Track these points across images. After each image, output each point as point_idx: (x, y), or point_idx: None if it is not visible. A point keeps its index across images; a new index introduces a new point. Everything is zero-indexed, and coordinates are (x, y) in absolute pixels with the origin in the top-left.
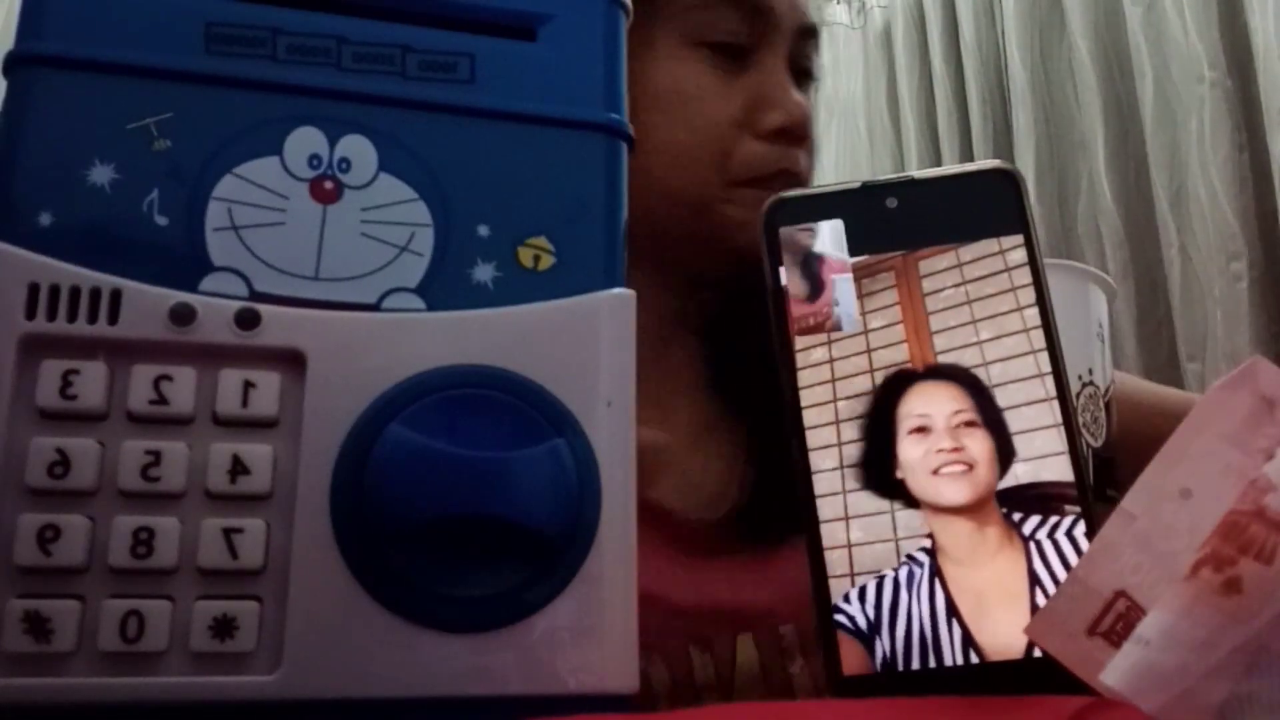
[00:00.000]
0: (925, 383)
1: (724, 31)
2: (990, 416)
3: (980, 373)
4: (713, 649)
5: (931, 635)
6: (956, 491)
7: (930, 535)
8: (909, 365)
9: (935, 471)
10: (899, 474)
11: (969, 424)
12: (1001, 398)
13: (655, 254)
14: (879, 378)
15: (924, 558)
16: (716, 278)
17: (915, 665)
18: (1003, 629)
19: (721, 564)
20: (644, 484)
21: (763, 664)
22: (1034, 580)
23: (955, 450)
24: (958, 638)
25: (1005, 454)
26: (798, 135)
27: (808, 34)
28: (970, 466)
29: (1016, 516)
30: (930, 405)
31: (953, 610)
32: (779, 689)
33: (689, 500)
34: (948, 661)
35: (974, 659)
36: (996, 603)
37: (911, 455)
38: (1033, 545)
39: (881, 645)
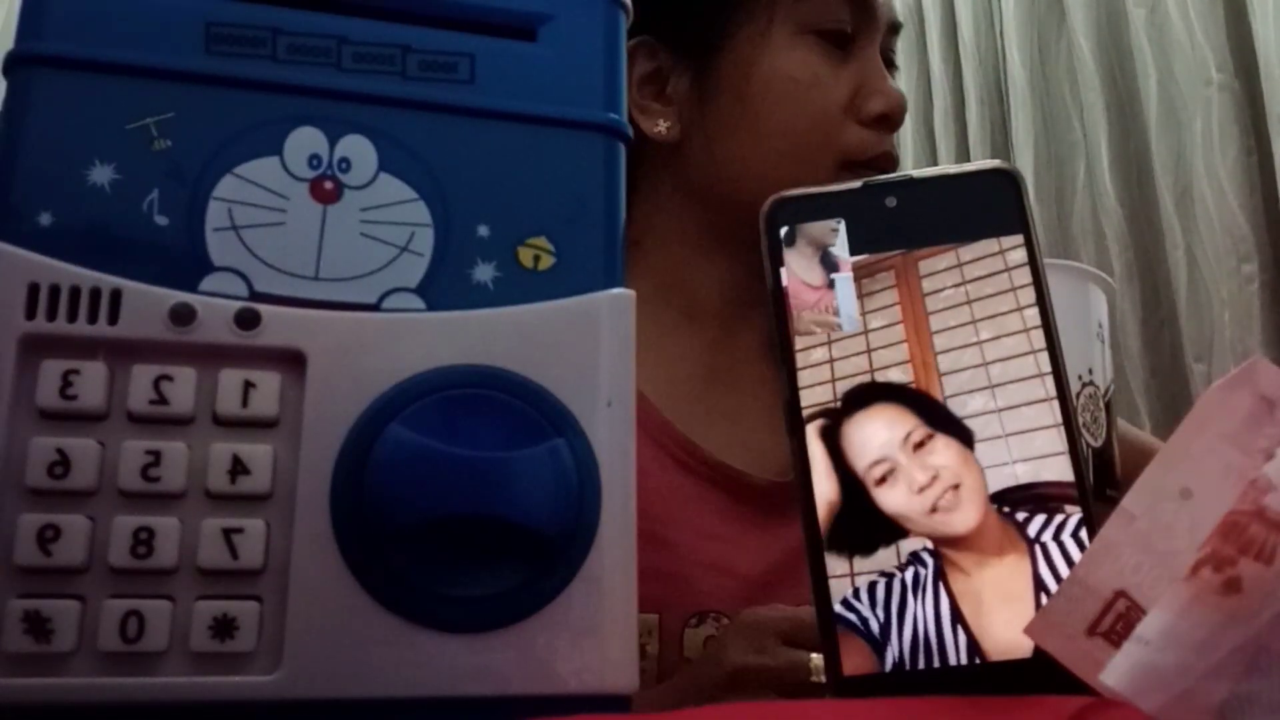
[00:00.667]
0: (856, 417)
1: (832, 20)
2: (934, 418)
3: (957, 376)
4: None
5: (936, 637)
6: (963, 518)
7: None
8: (831, 404)
9: (933, 509)
10: (894, 517)
11: (925, 440)
12: (1001, 398)
13: (746, 238)
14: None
15: (928, 558)
16: None
17: (918, 665)
18: (1006, 630)
19: (795, 526)
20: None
21: None
22: (1038, 581)
23: (934, 480)
24: (962, 640)
25: (967, 442)
26: (896, 121)
27: (895, 29)
28: (956, 485)
29: (1019, 517)
30: (877, 440)
31: (957, 612)
32: None
33: (760, 467)
34: (950, 662)
35: (975, 659)
36: (1000, 603)
37: (896, 504)
38: (1037, 547)
39: (892, 651)
